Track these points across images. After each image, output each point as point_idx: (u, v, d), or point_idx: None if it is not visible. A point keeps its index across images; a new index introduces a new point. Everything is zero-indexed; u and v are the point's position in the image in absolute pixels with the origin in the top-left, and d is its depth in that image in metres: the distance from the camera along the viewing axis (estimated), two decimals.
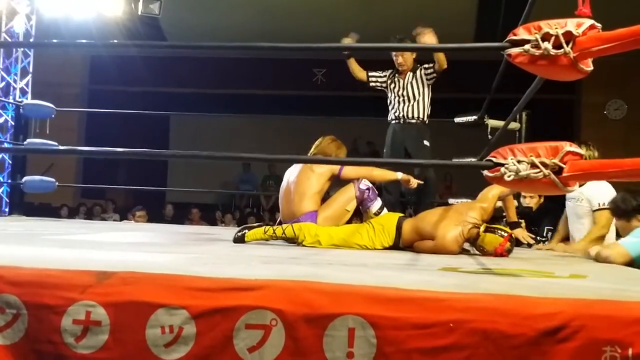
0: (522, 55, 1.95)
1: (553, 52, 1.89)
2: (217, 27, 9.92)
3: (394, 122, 4.98)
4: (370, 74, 5.09)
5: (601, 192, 3.85)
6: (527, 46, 1.93)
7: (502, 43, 2.01)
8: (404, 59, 4.92)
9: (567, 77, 2.03)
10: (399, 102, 4.94)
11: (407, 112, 4.91)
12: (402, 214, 3.76)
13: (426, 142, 4.89)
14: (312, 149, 4.11)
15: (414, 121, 4.91)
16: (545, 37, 1.90)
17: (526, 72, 2.04)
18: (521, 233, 4.11)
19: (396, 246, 3.49)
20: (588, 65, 1.93)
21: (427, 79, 4.91)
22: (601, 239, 3.82)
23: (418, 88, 4.91)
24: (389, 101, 5.04)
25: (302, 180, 3.83)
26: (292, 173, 3.96)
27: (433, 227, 3.36)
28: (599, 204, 3.81)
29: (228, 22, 9.95)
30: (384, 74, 5.07)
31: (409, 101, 4.91)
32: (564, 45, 1.88)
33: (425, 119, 4.94)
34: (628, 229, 3.25)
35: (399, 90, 4.94)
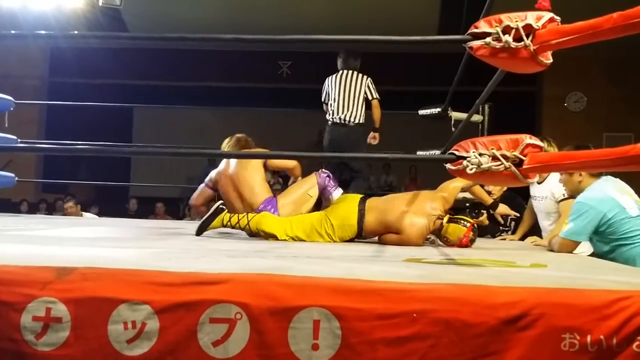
0: (484, 48, 1.97)
1: (513, 44, 1.91)
2: (180, 19, 9.81)
3: None
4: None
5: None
6: (488, 39, 1.95)
7: (463, 36, 2.02)
8: None
9: (528, 70, 2.06)
10: None
11: None
12: (360, 207, 3.54)
13: None
14: (233, 148, 4.16)
15: None
16: (506, 30, 1.92)
17: (488, 64, 2.06)
18: (503, 208, 4.03)
19: (359, 236, 3.49)
20: (548, 58, 1.96)
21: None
22: None
23: None
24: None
25: (243, 175, 3.84)
26: (225, 170, 3.97)
27: (398, 220, 3.37)
28: (563, 194, 3.88)
29: (192, 14, 9.86)
30: None
31: None
32: (524, 38, 1.90)
33: None
34: (570, 184, 3.44)
35: None
